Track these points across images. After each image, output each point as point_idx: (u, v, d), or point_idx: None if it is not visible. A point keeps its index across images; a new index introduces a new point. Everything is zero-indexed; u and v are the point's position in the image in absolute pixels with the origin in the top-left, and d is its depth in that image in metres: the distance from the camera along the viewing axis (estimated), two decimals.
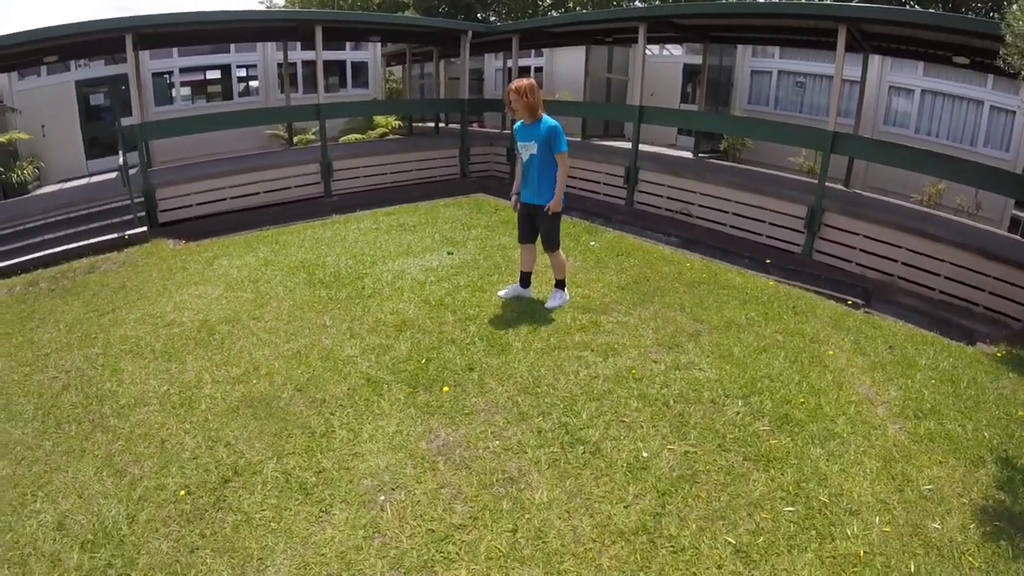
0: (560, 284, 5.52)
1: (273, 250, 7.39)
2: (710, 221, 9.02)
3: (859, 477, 3.36)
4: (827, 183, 7.86)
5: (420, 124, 17.38)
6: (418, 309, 5.33)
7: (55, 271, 7.35)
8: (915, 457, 3.56)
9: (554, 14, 22.10)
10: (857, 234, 7.49)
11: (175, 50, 14.32)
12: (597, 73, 14.77)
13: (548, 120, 5.07)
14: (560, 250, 5.38)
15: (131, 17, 8.81)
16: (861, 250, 7.46)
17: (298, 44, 15.16)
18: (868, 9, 7.37)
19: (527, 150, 5.15)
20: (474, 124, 17.54)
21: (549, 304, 5.43)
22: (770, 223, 8.32)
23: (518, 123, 5.21)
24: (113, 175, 10.68)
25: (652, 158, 10.54)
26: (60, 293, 6.62)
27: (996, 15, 11.77)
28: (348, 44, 16.96)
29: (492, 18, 28.17)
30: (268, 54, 15.55)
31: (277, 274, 6.50)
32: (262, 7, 38.49)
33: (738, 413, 3.87)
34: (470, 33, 12.05)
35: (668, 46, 15.09)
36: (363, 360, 4.48)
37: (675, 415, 3.83)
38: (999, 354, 5.20)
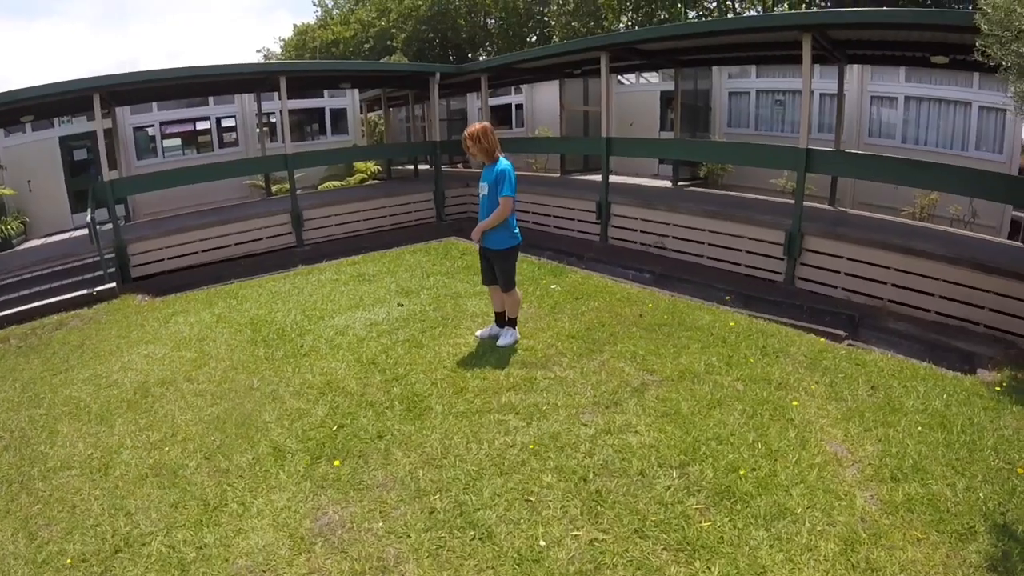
0: (512, 323, 5.68)
1: (230, 306, 7.66)
2: (685, 253, 8.93)
3: (809, 568, 2.94)
4: (812, 203, 7.70)
5: (400, 168, 17.85)
6: (348, 369, 5.46)
7: (27, 327, 7.73)
8: (886, 535, 3.13)
9: None
10: (841, 257, 7.24)
11: (155, 104, 15.11)
12: (573, 106, 15.02)
13: (502, 162, 5.33)
14: (516, 289, 5.58)
15: (96, 77, 9.53)
16: (846, 274, 7.20)
17: (275, 94, 15.72)
18: (831, 14, 7.25)
19: (481, 191, 5.44)
20: (459, 165, 17.96)
21: (500, 342, 5.64)
22: (748, 251, 8.16)
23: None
24: (101, 227, 11.05)
25: (626, 191, 10.60)
26: (25, 351, 6.97)
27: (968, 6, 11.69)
28: (326, 92, 17.53)
29: (483, 57, 28.87)
30: (246, 105, 16.24)
31: (225, 332, 6.75)
32: (259, 57, 39.86)
33: (669, 487, 3.53)
34: (438, 75, 12.47)
35: (644, 74, 15.34)
36: (276, 426, 4.61)
37: (591, 492, 3.53)
38: (1002, 383, 4.85)
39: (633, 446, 3.94)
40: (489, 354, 5.49)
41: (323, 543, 3.37)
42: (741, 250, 8.26)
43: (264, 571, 3.23)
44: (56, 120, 14.12)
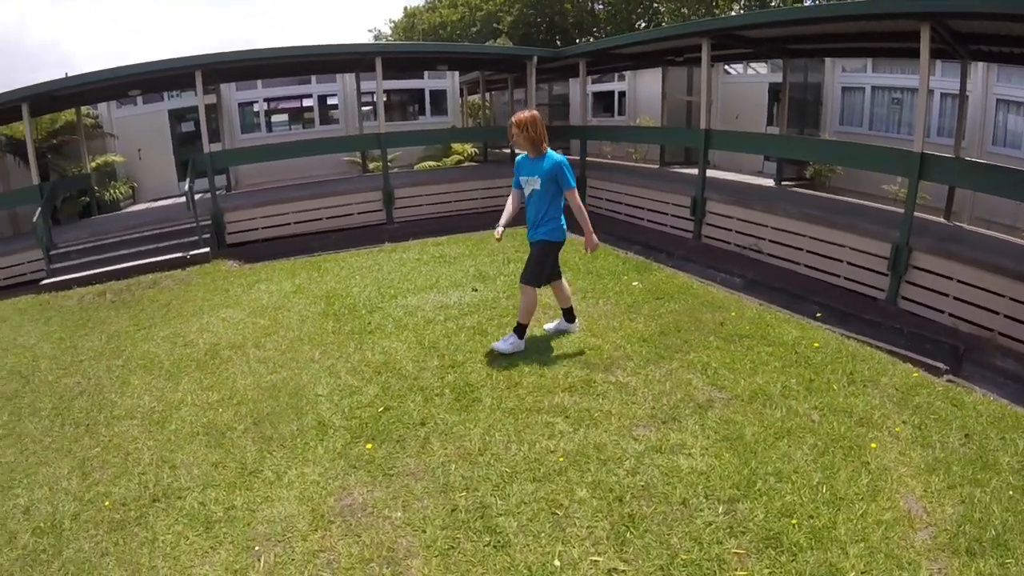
0: (520, 330, 5.38)
1: (310, 278, 8.05)
2: (781, 259, 8.40)
3: None
4: (925, 215, 7.09)
5: (498, 151, 18.01)
6: (407, 351, 5.58)
7: (123, 284, 8.44)
8: None
9: None
10: (951, 278, 6.56)
11: (259, 82, 16.16)
12: (676, 96, 14.59)
13: (553, 155, 5.17)
14: (536, 290, 5.37)
15: (198, 55, 10.29)
16: (955, 298, 6.53)
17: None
18: (953, 2, 6.41)
19: (530, 185, 5.27)
20: (558, 151, 17.86)
21: (496, 345, 5.35)
22: (849, 263, 7.57)
23: (521, 155, 5.38)
24: (202, 195, 11.98)
25: (724, 187, 10.15)
26: (118, 305, 7.62)
27: None
28: (427, 73, 17.87)
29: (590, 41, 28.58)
30: (348, 85, 16.88)
31: (300, 302, 7.10)
32: (370, 36, 41.25)
33: (710, 524, 3.19)
34: (535, 59, 12.42)
35: (753, 64, 14.70)
36: (326, 401, 4.80)
37: (624, 515, 3.29)
38: None
39: (682, 470, 3.65)
40: (554, 349, 5.40)
41: (340, 523, 3.46)
42: (842, 261, 7.69)
43: (279, 541, 3.38)
44: (165, 94, 15.55)
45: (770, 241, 8.61)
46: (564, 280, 5.65)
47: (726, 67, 15.15)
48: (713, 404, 4.41)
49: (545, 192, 5.21)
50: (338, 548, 3.27)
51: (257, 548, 3.34)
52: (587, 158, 12.84)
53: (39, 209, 10.20)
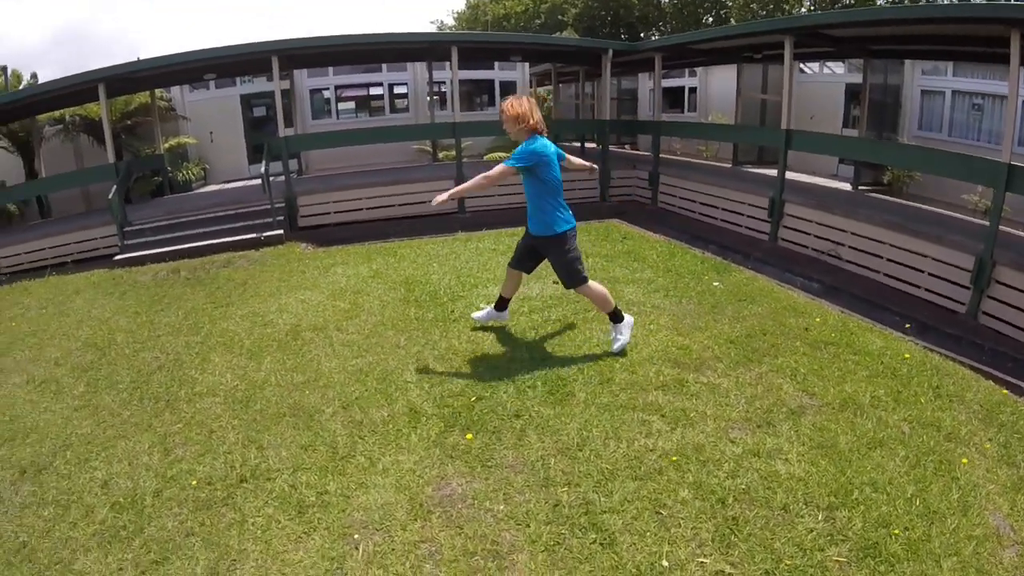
0: (615, 316, 5.14)
1: (387, 263, 7.99)
2: (860, 266, 8.11)
3: None
4: (1009, 229, 6.74)
5: (566, 144, 17.76)
6: (495, 341, 5.45)
7: (197, 262, 8.53)
8: None
9: None
10: None
11: (331, 69, 16.40)
12: (750, 94, 14.15)
13: (533, 140, 4.85)
14: (591, 282, 5.11)
15: (275, 41, 10.38)
16: None
17: (446, 64, 16.30)
18: None
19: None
20: (626, 146, 17.61)
21: (615, 347, 5.11)
22: (930, 274, 7.27)
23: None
24: (272, 179, 12.10)
25: (801, 189, 9.83)
26: (193, 283, 7.68)
27: None
28: (496, 64, 17.83)
29: (655, 36, 28.35)
30: (418, 73, 17.02)
31: (379, 287, 7.03)
32: (433, 27, 41.76)
33: (811, 531, 3.17)
34: (610, 52, 12.13)
35: (829, 63, 14.19)
36: (416, 388, 4.69)
37: (727, 518, 3.26)
38: None
39: (780, 475, 3.58)
40: (641, 346, 5.24)
41: (441, 514, 3.36)
42: (923, 271, 7.36)
43: (377, 529, 3.28)
44: (238, 79, 15.94)
45: (849, 247, 8.31)
46: (522, 275, 5.47)
47: (801, 66, 14.68)
48: (805, 410, 4.33)
49: (527, 180, 5.00)
50: (440, 539, 3.19)
51: (356, 536, 3.23)
52: (660, 154, 12.51)
53: (114, 187, 10.42)
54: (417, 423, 4.21)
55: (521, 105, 4.82)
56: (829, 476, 3.57)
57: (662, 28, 30.83)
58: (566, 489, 3.48)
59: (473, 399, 4.48)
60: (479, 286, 6.91)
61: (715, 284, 7.00)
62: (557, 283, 6.74)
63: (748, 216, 9.97)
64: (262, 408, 4.55)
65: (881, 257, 7.84)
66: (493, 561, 3.02)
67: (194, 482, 3.79)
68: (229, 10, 79.40)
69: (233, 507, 3.56)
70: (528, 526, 3.23)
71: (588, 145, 16.67)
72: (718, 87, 16.39)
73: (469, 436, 4.02)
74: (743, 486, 3.48)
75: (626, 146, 18.09)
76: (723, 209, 10.40)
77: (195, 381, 5.08)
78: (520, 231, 9.31)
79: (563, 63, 16.87)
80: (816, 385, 4.66)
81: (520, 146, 4.84)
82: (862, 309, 6.64)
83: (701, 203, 10.95)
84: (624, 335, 5.14)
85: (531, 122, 4.81)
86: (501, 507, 3.38)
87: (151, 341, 6.05)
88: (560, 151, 5.08)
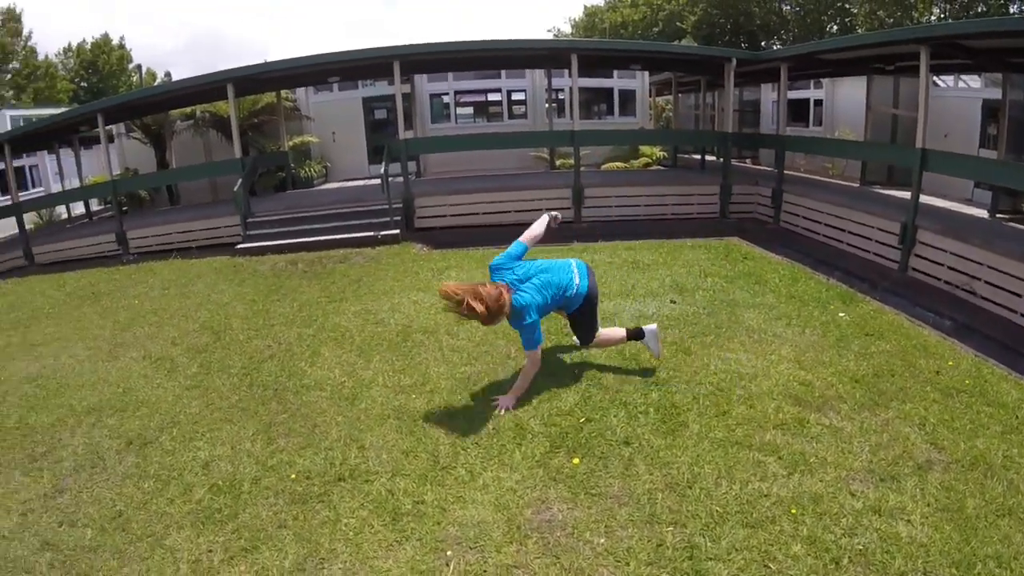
0: (635, 336, 5.05)
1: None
2: (996, 304, 7.30)
3: None
4: None
5: (685, 156, 17.40)
6: (607, 360, 5.26)
7: (314, 256, 8.86)
8: None
9: None
10: None
11: (450, 74, 16.83)
12: (880, 108, 13.19)
13: (517, 304, 4.35)
14: (600, 330, 4.97)
15: (396, 46, 10.76)
16: None
17: (565, 71, 16.28)
18: None
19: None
20: (747, 160, 16.94)
21: (654, 351, 5.09)
22: None
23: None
24: (391, 180, 12.44)
25: (935, 215, 9.03)
26: (309, 276, 7.93)
27: None
28: (616, 72, 17.63)
29: (776, 45, 27.33)
30: (537, 80, 17.16)
31: None
32: (550, 35, 41.99)
33: None
34: (734, 61, 11.62)
35: (963, 76, 13.01)
36: (524, 403, 4.57)
37: None
38: None
39: (901, 538, 3.25)
40: (761, 379, 4.93)
41: (538, 539, 3.23)
42: None
43: (471, 547, 3.20)
44: (360, 83, 16.80)
45: (985, 282, 7.51)
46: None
47: (935, 79, 13.61)
48: (932, 466, 3.92)
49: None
50: (534, 566, 3.06)
51: (449, 552, 3.15)
52: (784, 170, 11.91)
53: (240, 180, 11.06)
54: (522, 440, 4.09)
55: (483, 304, 4.14)
56: (952, 545, 3.25)
57: (783, 37, 29.94)
58: (671, 529, 3.28)
59: (582, 420, 4.31)
60: None
61: (841, 315, 6.56)
62: (675, 303, 6.58)
63: (877, 241, 9.29)
64: (367, 407, 4.59)
65: (1020, 296, 7.10)
66: None
67: (293, 475, 3.85)
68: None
69: (328, 505, 3.58)
70: (628, 564, 3.06)
71: (708, 158, 16.25)
72: (846, 100, 15.51)
73: (576, 460, 3.86)
74: (860, 546, 3.21)
75: (747, 160, 17.47)
76: (849, 232, 9.75)
77: (304, 373, 5.22)
78: (638, 245, 9.22)
79: (684, 72, 16.55)
80: (946, 438, 4.25)
81: (519, 322, 4.42)
82: (998, 353, 6.03)
83: (826, 224, 10.32)
84: (655, 345, 5.06)
85: (499, 303, 4.23)
86: (601, 540, 3.21)
87: (265, 330, 6.28)
88: (513, 262, 4.68)
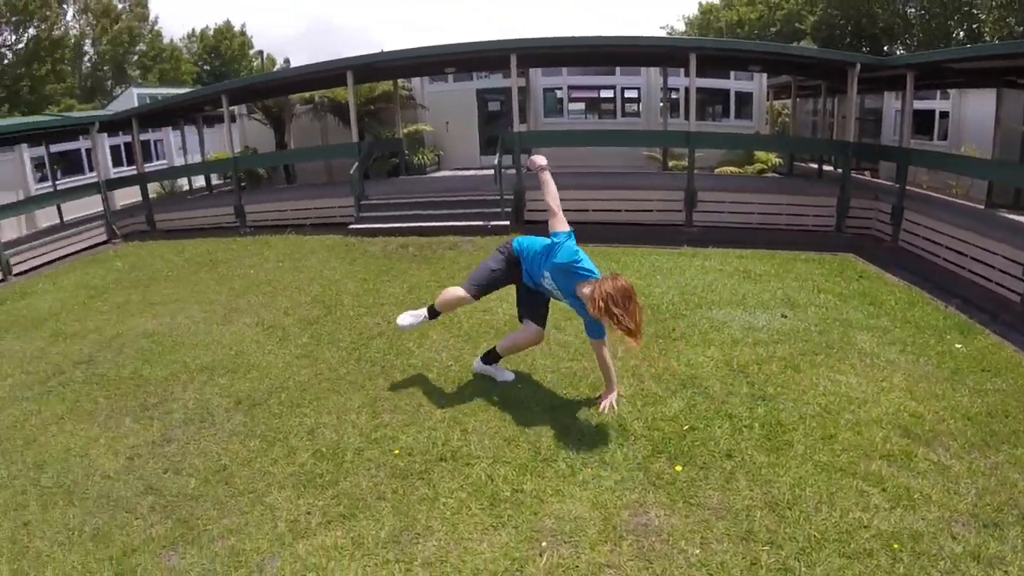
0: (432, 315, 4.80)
1: (609, 268, 7.79)
2: None
3: None
4: None
5: (802, 164, 16.74)
6: (714, 369, 5.18)
7: (424, 241, 9.13)
8: None
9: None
10: None
11: (565, 70, 16.95)
12: (1010, 124, 12.13)
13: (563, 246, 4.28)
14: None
15: (514, 39, 10.94)
16: None
17: (681, 71, 15.94)
18: None
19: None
20: (865, 172, 16.09)
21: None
22: None
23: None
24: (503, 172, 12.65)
25: None
26: (419, 260, 8.18)
27: None
28: (732, 73, 17.19)
29: (900, 51, 25.87)
30: (652, 79, 16.93)
31: None
32: (663, 32, 41.25)
33: None
34: (858, 66, 10.97)
35: None
36: (628, 404, 4.56)
37: None
38: None
39: None
40: (871, 405, 4.72)
41: (633, 542, 3.24)
42: None
43: (566, 541, 3.23)
44: (474, 74, 17.26)
45: None
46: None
47: None
48: None
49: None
50: (626, 568, 3.08)
51: (544, 543, 3.20)
52: (906, 186, 11.21)
53: (356, 163, 11.53)
54: (624, 441, 4.09)
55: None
56: None
57: (907, 42, 28.39)
58: (767, 548, 3.22)
59: (685, 427, 4.27)
60: (703, 307, 6.64)
61: (957, 346, 6.20)
62: (786, 317, 6.43)
63: (1000, 271, 8.63)
64: (472, 393, 4.71)
65: None
66: None
67: (396, 450, 4.00)
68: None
69: (428, 483, 3.69)
70: None
71: (826, 168, 15.63)
72: (974, 113, 14.47)
73: (679, 467, 3.83)
74: None
75: (866, 172, 16.57)
76: (971, 258, 9.13)
77: (411, 353, 5.41)
78: (749, 254, 8.99)
79: (804, 76, 15.92)
80: None
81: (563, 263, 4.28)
82: None
83: (948, 248, 9.69)
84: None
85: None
86: (696, 551, 3.19)
87: (375, 308, 6.53)
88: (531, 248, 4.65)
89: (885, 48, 28.28)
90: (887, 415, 4.57)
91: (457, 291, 4.59)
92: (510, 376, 4.92)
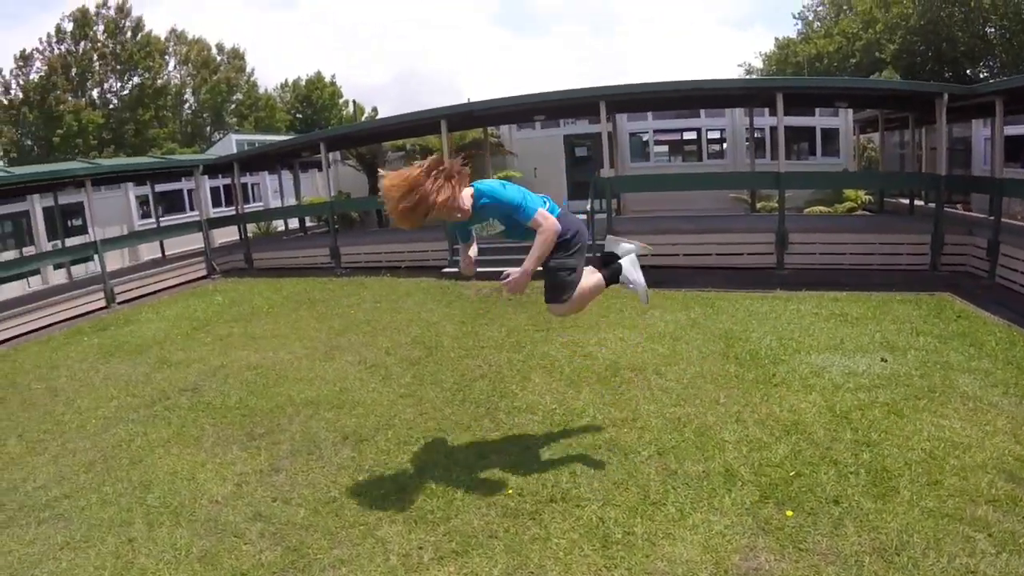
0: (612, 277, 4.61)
1: (705, 313, 8.02)
2: None
3: None
4: None
5: (892, 200, 16.22)
6: (817, 415, 5.16)
7: None
8: None
9: None
10: None
11: (649, 114, 17.34)
12: None
13: (481, 189, 3.98)
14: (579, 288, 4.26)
15: (603, 87, 11.35)
16: None
17: (765, 110, 15.95)
18: None
19: (488, 229, 4.22)
20: (957, 206, 15.43)
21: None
22: None
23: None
24: (583, 216, 12.79)
25: None
26: (514, 304, 8.46)
27: None
28: (817, 110, 17.07)
29: (983, 75, 24.83)
30: (736, 119, 17.14)
31: (698, 338, 7.08)
32: (740, 71, 40.77)
33: None
34: (945, 96, 10.65)
35: None
36: (734, 449, 4.62)
37: None
38: None
39: None
40: (976, 450, 4.60)
41: None
42: None
43: None
44: (562, 121, 17.87)
45: None
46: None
47: None
48: None
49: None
50: None
51: None
52: (1001, 219, 10.70)
53: None
54: (732, 486, 4.14)
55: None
56: None
57: (989, 63, 27.34)
58: None
59: (792, 473, 4.28)
60: (801, 352, 6.60)
61: None
62: (885, 361, 6.34)
63: None
64: (579, 437, 4.83)
65: None
66: None
67: (509, 490, 4.15)
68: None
69: (539, 523, 3.81)
70: None
71: (917, 202, 15.15)
72: None
73: (789, 513, 3.86)
74: None
75: (957, 205, 15.92)
76: None
77: (515, 396, 5.60)
78: (844, 297, 8.85)
79: (891, 109, 15.59)
80: None
81: (488, 199, 3.98)
82: None
83: None
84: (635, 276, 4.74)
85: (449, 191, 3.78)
86: None
87: (475, 351, 6.78)
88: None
89: (967, 71, 27.43)
90: (992, 459, 4.48)
91: (590, 281, 4.36)
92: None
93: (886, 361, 6.34)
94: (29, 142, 35.11)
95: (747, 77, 30.85)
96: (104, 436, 5.65)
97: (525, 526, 3.80)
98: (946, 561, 3.43)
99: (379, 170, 4.00)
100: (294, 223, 19.32)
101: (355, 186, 19.06)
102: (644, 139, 18.18)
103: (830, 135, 17.67)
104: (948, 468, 4.34)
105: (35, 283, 13.58)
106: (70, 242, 13.92)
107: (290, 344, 7.83)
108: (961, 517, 3.83)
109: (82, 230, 15.14)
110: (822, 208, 15.07)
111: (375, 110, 47.88)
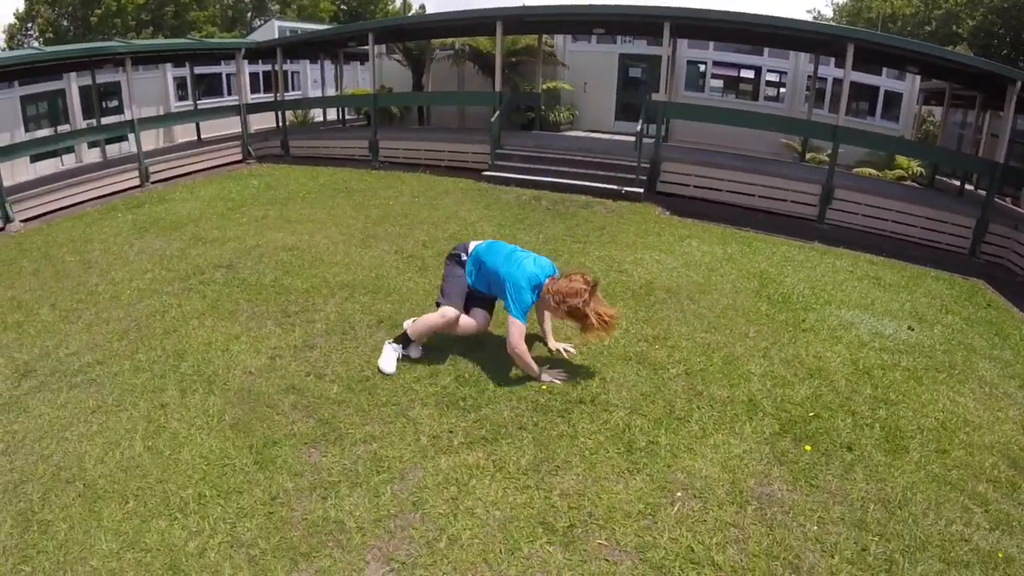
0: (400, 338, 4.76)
1: (741, 251, 8.07)
2: None
3: None
4: None
5: (943, 179, 15.84)
6: (841, 365, 5.30)
7: (557, 196, 9.45)
8: None
9: None
10: None
11: (711, 44, 16.64)
12: None
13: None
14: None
15: (669, 8, 10.89)
16: None
17: (831, 60, 15.39)
18: None
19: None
20: (1006, 198, 15.13)
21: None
22: None
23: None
24: (630, 138, 12.77)
25: None
26: (552, 214, 8.50)
27: None
28: (884, 71, 16.39)
29: None
30: (799, 64, 16.42)
31: (732, 272, 7.17)
32: (808, 17, 38.99)
33: None
34: (1019, 83, 10.28)
35: None
36: (759, 382, 4.76)
37: None
38: None
39: None
40: (985, 432, 4.73)
41: (757, 508, 3.46)
42: None
43: (695, 496, 3.49)
44: (619, 38, 17.16)
45: None
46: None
47: None
48: None
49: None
50: (749, 530, 3.30)
51: (679, 494, 3.46)
52: None
53: (496, 112, 11.86)
54: (754, 415, 4.30)
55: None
56: None
57: None
58: (876, 539, 3.41)
59: (811, 414, 4.44)
60: (832, 304, 6.69)
61: None
62: (912, 329, 6.44)
63: None
64: (611, 346, 4.98)
65: None
66: (791, 574, 3.08)
67: (542, 387, 4.33)
68: None
69: (568, 421, 4.02)
70: (832, 557, 3.23)
71: (967, 187, 14.86)
72: None
73: (808, 447, 4.03)
74: None
75: (1008, 199, 15.60)
76: None
77: None
78: (881, 262, 8.85)
79: (960, 84, 15.04)
80: None
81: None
82: None
83: None
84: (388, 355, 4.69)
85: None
86: (813, 528, 3.39)
87: None
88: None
89: None
90: (999, 443, 4.62)
91: (437, 316, 4.58)
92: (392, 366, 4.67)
93: (912, 330, 6.44)
94: (66, 23, 34.33)
95: (821, 23, 29.57)
96: (138, 306, 5.77)
97: (554, 422, 4.00)
98: (943, 525, 3.62)
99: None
100: (331, 115, 19.12)
101: (399, 81, 18.72)
102: (701, 69, 17.50)
103: (892, 99, 16.96)
104: (957, 442, 4.50)
105: (68, 161, 13.58)
106: (105, 121, 13.86)
107: (326, 229, 7.93)
108: (963, 489, 4.00)
109: (117, 111, 14.94)
110: (872, 171, 14.72)
111: (423, 7, 46.53)
